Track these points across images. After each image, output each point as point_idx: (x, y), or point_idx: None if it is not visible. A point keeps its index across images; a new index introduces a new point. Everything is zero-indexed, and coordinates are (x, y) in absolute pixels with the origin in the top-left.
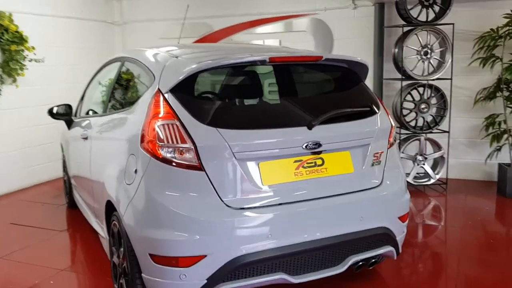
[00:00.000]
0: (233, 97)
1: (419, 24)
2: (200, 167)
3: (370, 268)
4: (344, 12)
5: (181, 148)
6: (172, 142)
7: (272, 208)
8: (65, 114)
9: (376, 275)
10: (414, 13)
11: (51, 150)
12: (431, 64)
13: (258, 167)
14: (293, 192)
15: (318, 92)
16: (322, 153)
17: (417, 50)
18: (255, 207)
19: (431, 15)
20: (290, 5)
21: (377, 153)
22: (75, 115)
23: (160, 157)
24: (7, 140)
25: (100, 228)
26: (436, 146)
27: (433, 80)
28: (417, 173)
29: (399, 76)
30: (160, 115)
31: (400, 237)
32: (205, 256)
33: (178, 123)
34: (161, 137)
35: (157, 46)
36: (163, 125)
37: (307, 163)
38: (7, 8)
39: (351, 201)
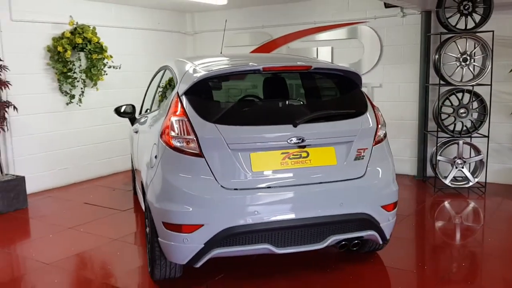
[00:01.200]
0: (231, 99)
1: (457, 32)
2: (201, 155)
3: (354, 249)
4: (393, 20)
5: (187, 139)
6: (181, 134)
7: (259, 190)
8: (129, 113)
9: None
10: (454, 20)
11: (125, 144)
12: (470, 70)
13: (249, 156)
14: (279, 178)
15: (311, 95)
16: (307, 147)
17: (456, 57)
18: (244, 189)
19: (470, 23)
20: (343, 14)
21: (361, 149)
22: (139, 114)
23: (172, 146)
24: (89, 135)
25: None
26: (476, 150)
27: (472, 86)
28: (457, 176)
29: (449, 81)
30: (177, 113)
31: (385, 224)
32: (203, 225)
33: (186, 119)
34: (174, 129)
35: (198, 55)
36: (176, 120)
37: (293, 155)
38: (91, 22)
39: (332, 188)
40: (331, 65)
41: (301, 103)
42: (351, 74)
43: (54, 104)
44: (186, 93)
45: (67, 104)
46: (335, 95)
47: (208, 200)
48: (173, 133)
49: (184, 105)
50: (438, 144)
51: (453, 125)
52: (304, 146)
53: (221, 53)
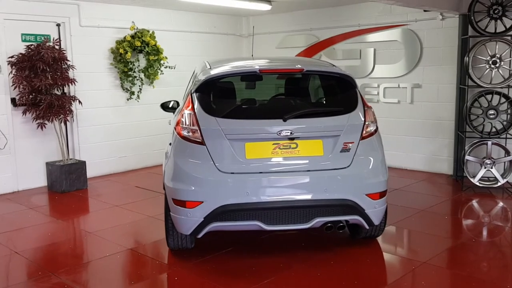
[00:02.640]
0: (232, 96)
1: (487, 35)
2: (203, 143)
3: (340, 231)
4: (433, 22)
5: (193, 130)
6: (188, 125)
7: (251, 174)
8: (173, 108)
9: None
10: (484, 24)
11: None
12: (500, 73)
13: (244, 145)
14: (269, 165)
15: (307, 94)
16: (296, 139)
17: (486, 60)
18: (239, 173)
19: (500, 27)
20: (385, 17)
21: (347, 142)
22: None
23: (181, 135)
24: (146, 127)
25: None
26: (505, 151)
27: (501, 87)
28: (487, 177)
29: (478, 83)
30: (188, 108)
31: (370, 211)
32: (202, 202)
33: (193, 113)
34: (184, 121)
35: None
36: (186, 114)
37: (283, 145)
38: (151, 27)
39: (318, 176)
40: (322, 68)
41: (295, 100)
42: (344, 76)
43: (116, 99)
44: (196, 91)
45: (128, 99)
46: (329, 94)
47: (207, 181)
48: (183, 125)
49: (194, 101)
50: (468, 145)
51: (482, 126)
52: (293, 138)
53: (252, 55)
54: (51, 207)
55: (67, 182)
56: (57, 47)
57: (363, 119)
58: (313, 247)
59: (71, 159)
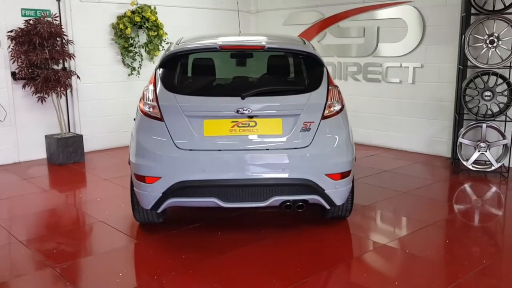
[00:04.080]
0: (193, 72)
1: (485, 12)
2: (161, 119)
3: (300, 210)
4: (437, 0)
5: (152, 105)
6: (148, 101)
7: (208, 152)
8: None
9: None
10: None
11: None
12: (497, 53)
13: (203, 123)
14: (227, 143)
15: (270, 72)
16: (255, 118)
17: (483, 39)
18: (196, 150)
19: (499, 4)
20: None
21: (307, 122)
22: None
23: (143, 111)
24: None
25: None
26: (500, 134)
27: (498, 68)
28: (483, 160)
29: (474, 63)
30: (150, 84)
31: (331, 191)
32: (160, 177)
33: (153, 88)
34: (145, 97)
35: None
36: (147, 89)
37: (242, 123)
38: (153, 2)
39: (276, 155)
40: (285, 46)
41: (256, 78)
42: (310, 54)
43: (117, 75)
44: (160, 67)
45: (129, 75)
46: (295, 72)
47: (164, 157)
48: (144, 100)
49: (156, 77)
50: (464, 127)
51: (477, 108)
52: (252, 116)
53: (239, 32)
54: (43, 179)
55: (64, 155)
56: (56, 22)
57: (325, 99)
58: (281, 225)
59: (69, 132)
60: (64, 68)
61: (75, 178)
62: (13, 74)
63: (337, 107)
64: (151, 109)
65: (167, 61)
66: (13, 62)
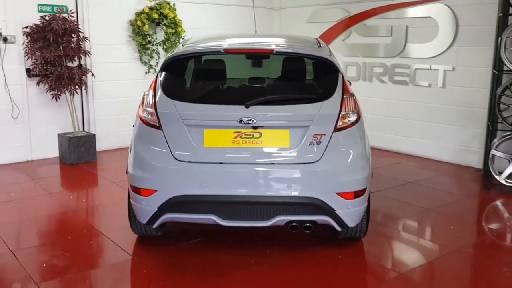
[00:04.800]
0: (196, 77)
1: None
2: (159, 127)
3: (307, 231)
4: None
5: (150, 112)
6: (147, 107)
7: (208, 165)
8: None
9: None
10: None
11: None
12: None
13: (203, 132)
14: (228, 155)
15: (281, 78)
16: (260, 128)
17: None
18: (194, 162)
19: None
20: None
21: (317, 134)
22: None
23: (141, 118)
24: None
25: None
26: None
27: None
28: None
29: (511, 68)
30: (150, 89)
31: (342, 212)
32: (156, 191)
33: (153, 94)
34: (143, 103)
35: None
36: (146, 95)
37: (245, 134)
38: None
39: (281, 170)
40: (294, 49)
41: (263, 84)
42: (324, 59)
43: (134, 73)
44: (161, 70)
45: (146, 73)
46: (308, 78)
47: (161, 169)
48: (143, 106)
49: (157, 82)
50: (498, 137)
51: None
52: (256, 127)
53: (255, 31)
54: (51, 180)
55: (75, 155)
56: (71, 18)
57: (338, 109)
58: (287, 245)
59: (81, 131)
60: (80, 66)
61: (83, 179)
62: (28, 71)
63: (352, 118)
64: (149, 116)
65: (169, 65)
66: (28, 59)
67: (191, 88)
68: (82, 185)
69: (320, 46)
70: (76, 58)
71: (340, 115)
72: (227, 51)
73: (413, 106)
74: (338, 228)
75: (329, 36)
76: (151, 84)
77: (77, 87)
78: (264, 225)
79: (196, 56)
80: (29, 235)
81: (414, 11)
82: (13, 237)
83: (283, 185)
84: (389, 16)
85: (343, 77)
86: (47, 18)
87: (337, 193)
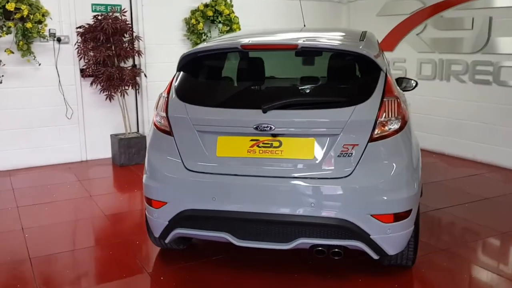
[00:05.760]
0: (210, 78)
1: None
2: (171, 133)
3: (336, 258)
4: None
5: (162, 116)
6: (159, 110)
7: (221, 176)
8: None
9: None
10: None
11: None
12: None
13: (216, 140)
14: (243, 166)
15: (310, 78)
16: (280, 136)
17: None
18: (206, 173)
19: None
20: None
21: (348, 144)
22: None
23: (154, 122)
24: None
25: None
26: None
27: None
28: None
29: None
30: (166, 90)
31: (379, 237)
32: (166, 203)
33: (166, 96)
34: (158, 105)
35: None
36: (161, 97)
37: (263, 143)
38: None
39: (303, 185)
40: (324, 44)
41: (287, 85)
42: (361, 56)
43: None
44: (179, 70)
45: None
46: (342, 77)
47: (171, 180)
48: (157, 110)
49: (173, 82)
50: None
51: None
52: (276, 135)
53: (304, 25)
54: (97, 182)
55: (126, 156)
56: (123, 17)
57: (375, 114)
58: (320, 268)
59: (133, 132)
60: (133, 66)
61: (128, 182)
62: (82, 71)
63: (395, 125)
64: (161, 121)
65: (185, 64)
66: (80, 59)
67: (206, 90)
68: (125, 188)
69: (363, 40)
70: (129, 58)
71: (378, 122)
72: (245, 47)
73: (497, 109)
74: (375, 256)
75: (401, 30)
76: (168, 85)
77: (128, 87)
78: (284, 248)
79: (214, 53)
80: (51, 242)
81: (499, 0)
82: (34, 243)
83: (305, 202)
84: (470, 7)
85: (386, 76)
86: (99, 17)
87: (372, 215)
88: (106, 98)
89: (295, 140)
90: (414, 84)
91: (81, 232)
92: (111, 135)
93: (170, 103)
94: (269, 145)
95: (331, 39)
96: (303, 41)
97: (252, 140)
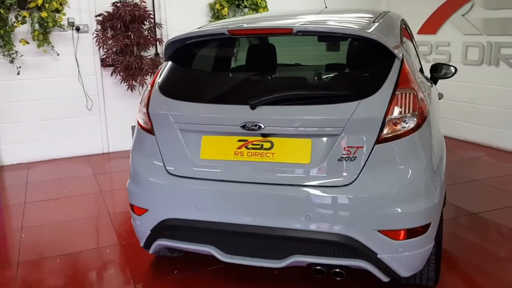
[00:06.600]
0: (196, 68)
1: None
2: (152, 132)
3: (338, 279)
4: None
5: (144, 112)
6: (142, 105)
7: (204, 182)
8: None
9: None
10: None
11: None
12: None
13: (201, 140)
14: (229, 171)
15: (310, 67)
16: (271, 136)
17: None
18: (188, 178)
19: None
20: None
21: (351, 147)
22: None
23: (138, 119)
24: None
25: None
26: None
27: None
28: None
29: None
30: (151, 82)
31: (388, 257)
32: (147, 210)
33: (150, 89)
34: (141, 100)
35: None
36: (146, 89)
37: (253, 144)
38: None
39: (297, 194)
40: (323, 28)
41: (282, 76)
42: (369, 40)
43: None
44: (167, 60)
45: None
46: (345, 66)
47: (151, 184)
48: (140, 105)
49: (159, 74)
50: None
51: None
52: (267, 135)
53: (325, 7)
54: (111, 176)
55: None
56: (143, 4)
57: (384, 110)
58: (326, 283)
59: None
60: (156, 54)
61: None
62: (102, 61)
63: (410, 124)
64: (143, 118)
65: (172, 53)
66: (99, 48)
67: (190, 82)
68: None
69: (377, 22)
70: (151, 47)
71: (387, 120)
72: (232, 33)
73: None
74: (384, 279)
75: (445, 10)
76: (154, 76)
77: (147, 77)
78: (276, 266)
79: (202, 41)
80: (44, 244)
81: None
82: (28, 245)
83: (300, 214)
84: None
85: (402, 64)
86: (118, 4)
87: (379, 230)
88: (128, 88)
89: (288, 141)
90: (453, 71)
91: (77, 234)
92: (132, 127)
93: (152, 97)
94: (259, 146)
95: (339, 21)
96: (300, 24)
97: (240, 140)
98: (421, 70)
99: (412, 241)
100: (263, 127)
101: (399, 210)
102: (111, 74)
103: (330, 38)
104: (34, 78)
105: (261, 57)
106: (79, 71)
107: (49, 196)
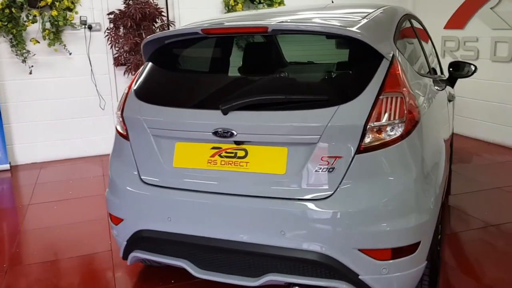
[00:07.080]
0: (174, 70)
1: None
2: (127, 137)
3: None
4: None
5: (119, 115)
6: (118, 109)
7: (177, 192)
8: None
9: None
10: None
11: None
12: None
13: (174, 147)
14: (202, 181)
15: (293, 69)
16: (245, 144)
17: None
18: (162, 187)
19: None
20: None
21: (329, 157)
22: None
23: (116, 123)
24: None
25: None
26: None
27: None
28: None
29: None
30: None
31: (371, 278)
32: (123, 220)
33: (127, 92)
34: (119, 104)
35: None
36: (123, 93)
37: (226, 152)
38: None
39: (270, 208)
40: (301, 26)
41: (261, 79)
42: (353, 39)
43: None
44: (147, 61)
45: None
46: (322, 68)
47: (125, 193)
48: (116, 109)
49: (137, 76)
50: None
51: None
52: (240, 143)
53: (332, 2)
54: None
55: None
56: (155, 1)
57: (365, 116)
58: None
59: None
60: None
61: None
62: (115, 60)
63: (396, 131)
64: (119, 122)
65: (151, 54)
66: (111, 47)
67: (165, 85)
68: None
69: (367, 18)
70: None
71: (369, 127)
72: (206, 32)
73: None
74: None
75: (473, 4)
76: (133, 78)
77: None
78: (250, 284)
79: (180, 40)
80: (30, 250)
81: None
82: (22, 247)
83: (273, 229)
84: None
85: (391, 65)
86: (130, 2)
87: (359, 249)
88: None
89: (263, 150)
90: (473, 69)
91: (72, 239)
92: None
93: (127, 101)
94: (232, 154)
95: (330, 18)
96: (277, 22)
97: (213, 148)
98: (433, 71)
99: (399, 262)
100: (235, 134)
101: (383, 227)
102: (124, 73)
103: (313, 37)
104: (47, 77)
105: (247, 57)
106: (91, 70)
107: (54, 198)
